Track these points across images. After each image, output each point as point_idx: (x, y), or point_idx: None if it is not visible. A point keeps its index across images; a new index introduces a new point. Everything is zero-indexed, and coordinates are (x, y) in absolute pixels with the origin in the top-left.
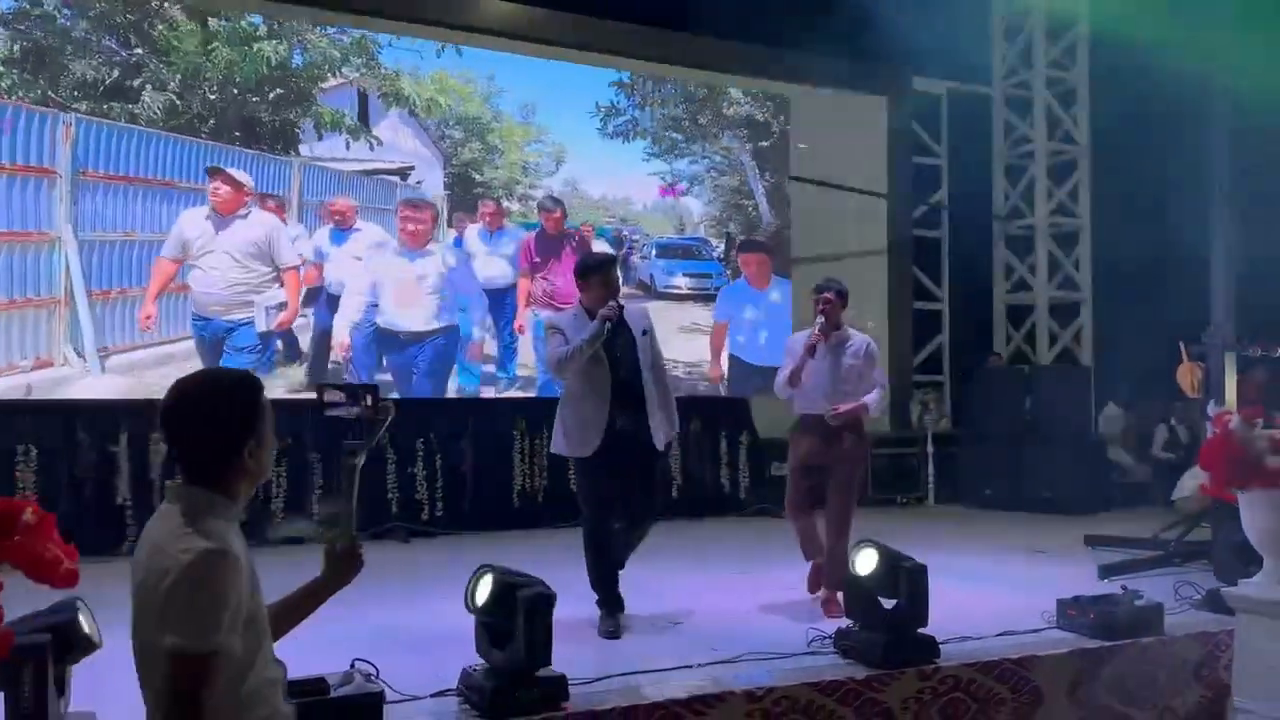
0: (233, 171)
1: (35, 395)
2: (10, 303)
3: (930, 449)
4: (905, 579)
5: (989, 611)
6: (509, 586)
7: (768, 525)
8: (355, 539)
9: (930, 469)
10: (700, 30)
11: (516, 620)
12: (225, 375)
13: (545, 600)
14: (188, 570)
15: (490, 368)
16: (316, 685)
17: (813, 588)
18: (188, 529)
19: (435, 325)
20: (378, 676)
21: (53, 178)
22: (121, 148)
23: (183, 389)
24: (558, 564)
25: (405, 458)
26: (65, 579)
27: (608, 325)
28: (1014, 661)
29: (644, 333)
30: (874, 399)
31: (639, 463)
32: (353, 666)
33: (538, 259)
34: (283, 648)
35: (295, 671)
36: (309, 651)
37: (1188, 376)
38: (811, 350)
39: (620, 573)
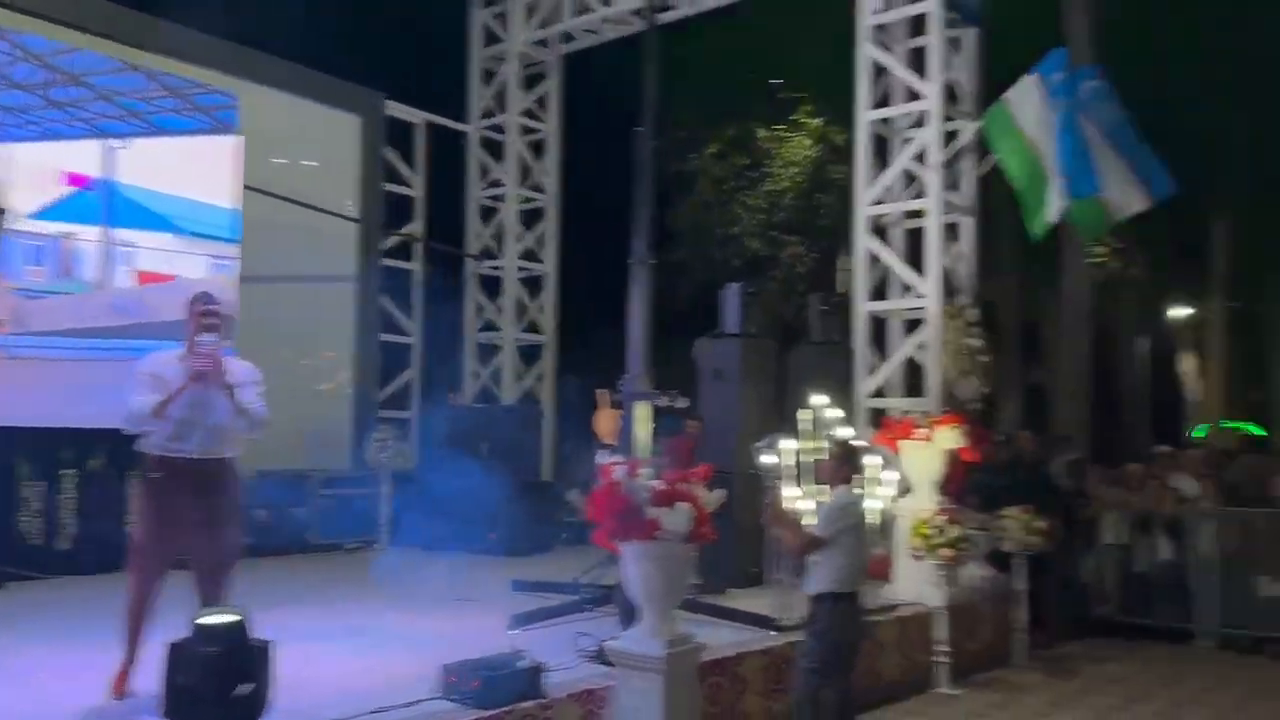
0: None
1: None
2: None
3: (387, 489)
4: (257, 659)
5: (380, 680)
6: None
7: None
8: None
9: (387, 510)
10: (166, 15)
11: None
12: None
13: None
14: None
15: None
16: None
17: (121, 689)
18: None
19: None
20: None
21: None
22: None
23: None
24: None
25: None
26: None
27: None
28: None
29: None
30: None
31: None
32: None
33: None
34: None
35: None
36: None
37: (606, 423)
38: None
39: None
